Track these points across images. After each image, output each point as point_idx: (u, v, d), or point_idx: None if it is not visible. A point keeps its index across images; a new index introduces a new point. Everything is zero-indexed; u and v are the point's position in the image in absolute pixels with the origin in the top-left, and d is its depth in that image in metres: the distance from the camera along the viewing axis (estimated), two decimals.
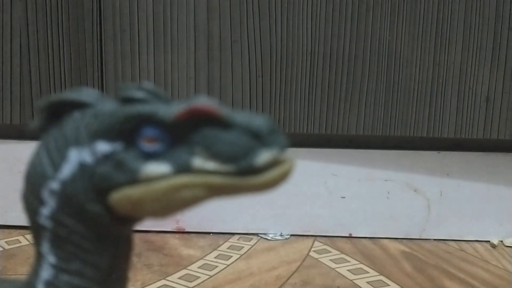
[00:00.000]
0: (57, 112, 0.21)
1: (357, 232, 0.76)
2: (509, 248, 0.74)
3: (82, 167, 0.20)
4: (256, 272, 0.66)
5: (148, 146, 0.20)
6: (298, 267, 0.67)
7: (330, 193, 0.76)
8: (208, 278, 0.64)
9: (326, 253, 0.71)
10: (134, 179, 0.20)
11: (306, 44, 0.70)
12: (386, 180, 0.75)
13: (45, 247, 0.21)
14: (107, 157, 0.20)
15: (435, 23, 0.70)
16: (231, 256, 0.70)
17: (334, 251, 0.72)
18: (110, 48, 0.71)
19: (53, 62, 0.71)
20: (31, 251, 0.68)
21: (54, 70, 0.71)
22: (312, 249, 0.72)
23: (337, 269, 0.67)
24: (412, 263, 0.69)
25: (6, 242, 0.72)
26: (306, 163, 0.75)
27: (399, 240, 0.76)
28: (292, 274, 0.65)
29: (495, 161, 0.75)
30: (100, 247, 0.21)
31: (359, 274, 0.66)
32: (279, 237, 0.75)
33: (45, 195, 0.21)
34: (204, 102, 0.20)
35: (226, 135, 0.19)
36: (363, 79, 0.70)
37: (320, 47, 0.70)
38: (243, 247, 0.72)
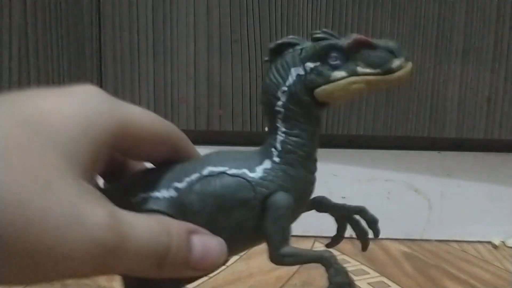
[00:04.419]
0: (279, 50, 0.37)
1: None
2: (510, 248, 0.74)
3: (299, 77, 0.36)
4: (256, 273, 0.66)
5: (334, 62, 0.35)
6: (298, 268, 0.67)
7: (330, 193, 0.75)
8: (208, 279, 0.63)
9: None
10: (327, 81, 0.35)
11: None
12: (386, 180, 0.75)
13: (279, 123, 0.36)
14: (312, 70, 0.35)
15: (435, 23, 0.69)
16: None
17: (335, 252, 0.71)
18: (109, 48, 0.71)
19: (53, 62, 0.71)
20: None
21: (53, 70, 0.71)
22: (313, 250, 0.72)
23: None
24: (413, 263, 0.69)
25: None
26: None
27: (400, 240, 0.75)
28: (292, 275, 0.65)
29: (496, 161, 0.75)
30: (308, 120, 0.36)
31: (360, 275, 0.66)
32: None
33: (279, 94, 0.36)
34: (360, 36, 0.35)
35: (374, 52, 0.34)
36: None
37: None
38: None
